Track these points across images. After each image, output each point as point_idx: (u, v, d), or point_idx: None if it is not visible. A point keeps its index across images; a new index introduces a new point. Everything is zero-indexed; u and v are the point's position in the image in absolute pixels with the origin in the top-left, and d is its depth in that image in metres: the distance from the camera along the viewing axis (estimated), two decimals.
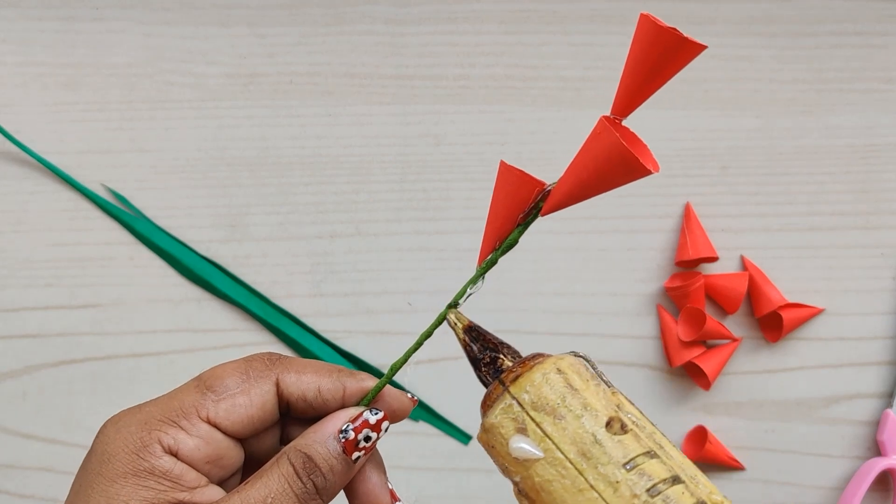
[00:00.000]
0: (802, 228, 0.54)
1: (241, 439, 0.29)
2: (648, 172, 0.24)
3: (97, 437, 0.28)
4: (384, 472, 0.30)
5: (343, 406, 0.29)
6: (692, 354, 0.52)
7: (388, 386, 0.30)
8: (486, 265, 0.28)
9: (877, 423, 0.53)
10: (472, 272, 0.54)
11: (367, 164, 0.55)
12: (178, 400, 0.28)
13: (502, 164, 0.27)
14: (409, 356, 0.30)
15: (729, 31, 0.55)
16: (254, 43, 0.55)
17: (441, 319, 0.29)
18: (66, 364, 0.54)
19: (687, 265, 0.53)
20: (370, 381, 0.30)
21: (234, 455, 0.29)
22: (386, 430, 0.29)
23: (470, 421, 0.53)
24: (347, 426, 0.28)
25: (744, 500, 0.53)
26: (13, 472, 0.53)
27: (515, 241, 0.28)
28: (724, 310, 0.53)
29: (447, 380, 0.53)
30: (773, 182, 0.54)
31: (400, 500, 0.30)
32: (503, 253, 0.28)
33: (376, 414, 0.29)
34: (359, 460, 0.28)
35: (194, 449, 0.28)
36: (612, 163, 0.24)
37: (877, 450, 0.52)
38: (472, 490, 0.53)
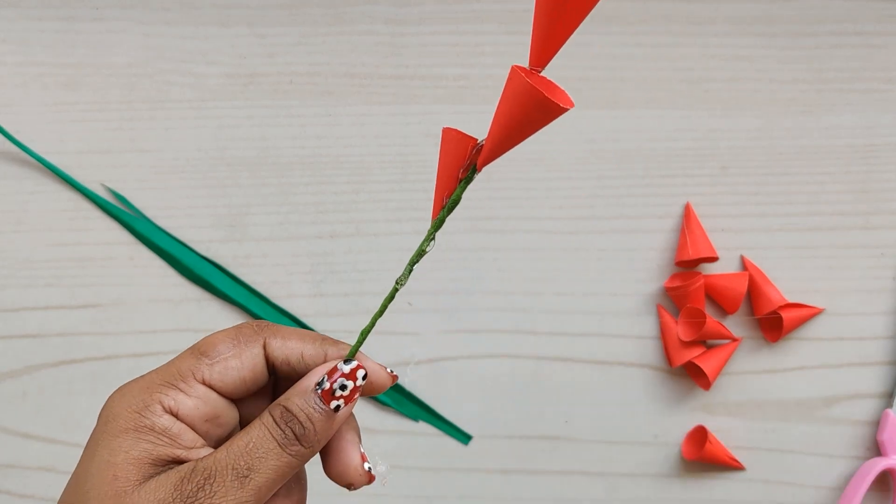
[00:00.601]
0: (802, 228, 0.54)
1: (235, 400, 0.31)
2: (563, 110, 0.26)
3: (104, 405, 0.31)
4: (358, 436, 0.32)
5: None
6: (692, 354, 0.52)
7: (367, 359, 0.32)
8: (434, 225, 0.30)
9: (877, 423, 0.53)
10: (472, 272, 0.55)
11: (367, 164, 0.55)
12: (176, 366, 0.30)
13: (444, 129, 0.29)
14: (377, 318, 0.31)
15: (729, 31, 0.55)
16: (254, 43, 0.55)
17: (406, 274, 0.31)
18: (66, 364, 0.54)
19: (687, 265, 0.53)
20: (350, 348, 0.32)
21: (229, 414, 0.31)
22: (363, 379, 0.31)
23: (470, 421, 0.53)
24: (323, 378, 0.30)
25: (744, 501, 0.53)
26: (13, 472, 0.53)
27: (458, 199, 0.30)
28: (724, 310, 0.53)
29: (447, 380, 0.53)
30: (774, 182, 0.54)
31: (368, 462, 0.31)
32: (449, 211, 0.30)
33: (350, 364, 0.31)
34: (340, 410, 0.30)
35: (193, 408, 0.30)
36: (527, 106, 0.26)
37: (877, 450, 0.52)
38: (472, 490, 0.53)
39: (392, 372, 0.33)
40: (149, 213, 0.54)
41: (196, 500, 0.28)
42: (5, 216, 0.54)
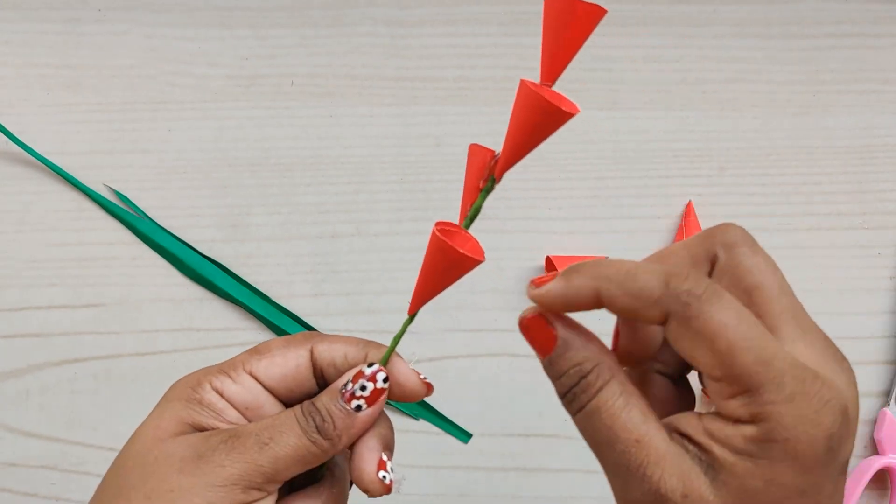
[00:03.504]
0: (800, 228, 0.54)
1: (278, 396, 0.34)
2: (570, 115, 0.28)
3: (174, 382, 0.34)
4: (384, 444, 0.33)
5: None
6: None
7: (401, 364, 0.34)
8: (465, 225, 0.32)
9: (874, 422, 0.53)
10: (472, 272, 0.55)
11: (368, 165, 0.55)
12: (233, 359, 0.34)
13: (470, 145, 0.31)
14: (405, 328, 0.34)
15: (727, 33, 0.55)
16: (255, 45, 0.56)
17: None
18: (69, 363, 0.54)
19: None
20: (394, 354, 0.34)
21: (270, 408, 0.33)
22: (384, 382, 0.33)
23: (470, 419, 0.53)
24: (347, 381, 0.32)
25: None
26: (16, 471, 0.53)
27: (479, 208, 0.32)
28: None
29: (447, 379, 0.54)
30: (771, 182, 0.55)
31: (386, 471, 0.33)
32: (472, 221, 0.32)
33: (372, 367, 0.33)
34: (361, 410, 0.32)
35: (235, 394, 0.33)
36: (537, 115, 0.28)
37: (874, 448, 0.53)
38: (472, 488, 0.53)
39: (426, 379, 0.34)
40: (151, 214, 0.55)
41: (217, 450, 0.31)
42: (8, 216, 0.55)
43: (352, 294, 0.54)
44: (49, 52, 0.56)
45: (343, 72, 0.55)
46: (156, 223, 0.54)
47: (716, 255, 0.30)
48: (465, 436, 0.53)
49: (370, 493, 0.33)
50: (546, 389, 0.55)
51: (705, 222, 0.54)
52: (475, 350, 0.54)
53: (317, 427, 0.32)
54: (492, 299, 0.54)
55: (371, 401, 0.32)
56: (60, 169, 0.55)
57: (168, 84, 0.55)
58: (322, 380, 0.34)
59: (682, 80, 0.55)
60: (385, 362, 0.33)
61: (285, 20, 0.56)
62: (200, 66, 0.56)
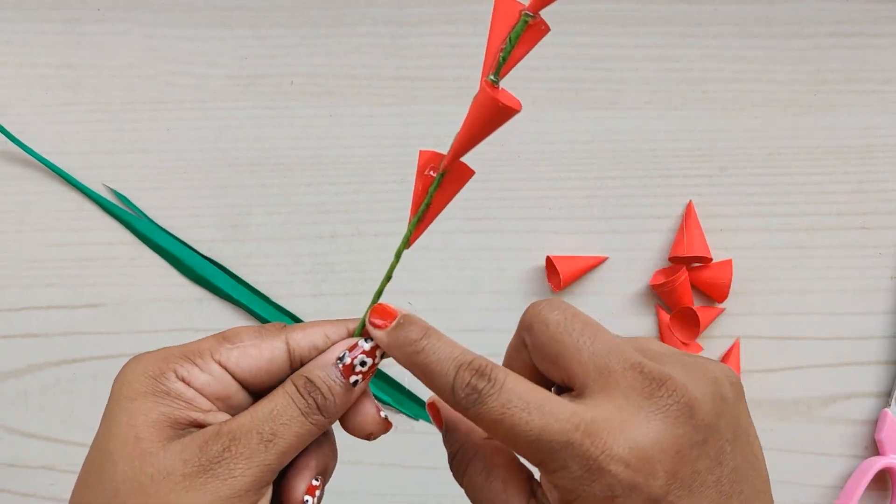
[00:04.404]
0: (800, 228, 0.54)
1: (246, 386, 0.32)
2: (514, 111, 0.29)
3: (119, 372, 0.31)
4: (321, 468, 0.33)
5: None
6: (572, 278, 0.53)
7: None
8: (409, 229, 0.33)
9: (875, 423, 0.53)
10: (472, 272, 0.55)
11: (368, 165, 0.55)
12: (196, 344, 0.31)
13: (420, 151, 0.32)
14: (387, 280, 0.33)
15: (727, 33, 0.55)
16: (255, 44, 0.56)
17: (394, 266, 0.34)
18: (68, 363, 0.54)
19: (680, 262, 0.53)
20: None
21: (241, 399, 0.32)
22: (381, 357, 0.32)
23: None
24: (344, 353, 0.32)
25: None
26: (15, 471, 0.53)
27: (430, 201, 0.33)
28: (713, 300, 0.54)
29: None
30: (772, 182, 0.55)
31: (311, 499, 0.32)
32: (422, 214, 0.33)
33: (369, 342, 0.32)
34: (357, 384, 0.32)
35: (205, 384, 0.31)
36: (488, 112, 0.30)
37: (875, 449, 0.53)
38: None
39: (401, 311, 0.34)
40: (151, 214, 0.55)
41: (222, 459, 0.29)
42: (8, 216, 0.55)
43: (351, 294, 0.54)
44: (49, 52, 0.56)
45: (343, 71, 0.55)
46: (155, 223, 0.54)
47: (524, 340, 0.32)
48: None
49: (375, 435, 0.33)
50: None
51: (706, 222, 0.54)
52: (475, 350, 0.54)
53: (318, 407, 0.31)
54: (492, 299, 0.54)
55: (367, 375, 0.32)
56: (60, 169, 0.55)
57: (168, 84, 0.55)
58: (299, 365, 0.33)
59: (682, 79, 0.55)
60: (363, 325, 0.33)
61: (285, 20, 0.56)
62: (200, 66, 0.56)
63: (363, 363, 0.32)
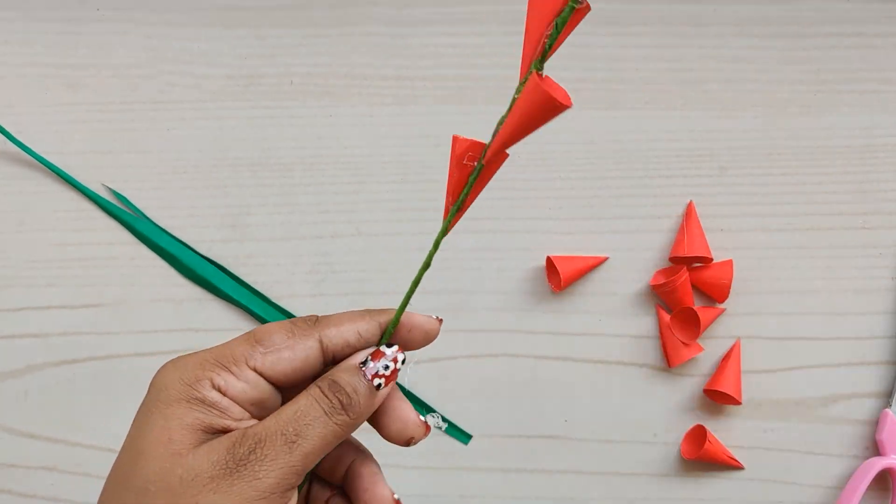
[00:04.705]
0: (801, 228, 0.54)
1: (281, 389, 0.33)
2: (565, 107, 0.29)
3: (156, 374, 0.32)
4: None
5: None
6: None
7: (415, 314, 0.34)
8: (448, 218, 0.33)
9: (876, 423, 0.53)
10: (472, 272, 0.55)
11: (368, 165, 0.55)
12: (230, 349, 0.32)
13: (454, 136, 0.32)
14: (414, 287, 0.33)
15: (728, 33, 0.55)
16: (255, 44, 0.56)
17: (431, 257, 0.34)
18: (68, 364, 0.54)
19: (680, 262, 0.53)
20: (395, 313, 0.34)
21: (275, 400, 0.33)
22: (403, 361, 0.33)
23: (470, 420, 0.53)
24: (367, 358, 0.32)
25: (743, 500, 0.53)
26: (15, 472, 0.53)
27: (469, 190, 0.33)
28: (713, 300, 0.54)
29: (447, 379, 0.53)
30: (772, 182, 0.55)
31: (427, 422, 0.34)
32: (461, 203, 0.33)
33: (392, 348, 0.33)
34: (381, 388, 0.32)
35: (240, 392, 0.31)
36: (541, 107, 0.29)
37: (876, 449, 0.53)
38: (472, 489, 0.53)
39: (438, 317, 0.34)
40: (150, 214, 0.55)
41: (248, 461, 0.30)
42: (7, 216, 0.55)
43: (351, 294, 0.54)
44: (48, 52, 0.56)
45: (343, 71, 0.55)
46: (155, 223, 0.54)
47: None
48: (465, 437, 0.53)
49: (416, 439, 0.34)
50: (545, 390, 0.55)
51: (706, 222, 0.54)
52: (475, 350, 0.54)
53: (342, 406, 0.31)
54: (492, 299, 0.54)
55: (390, 380, 0.32)
56: (59, 169, 0.55)
57: (167, 84, 0.55)
58: (333, 362, 0.33)
59: (682, 79, 0.55)
60: (396, 324, 0.33)
61: (285, 20, 0.56)
62: (200, 66, 0.56)
63: (386, 367, 0.32)
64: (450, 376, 0.53)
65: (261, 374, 0.32)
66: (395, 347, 0.33)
